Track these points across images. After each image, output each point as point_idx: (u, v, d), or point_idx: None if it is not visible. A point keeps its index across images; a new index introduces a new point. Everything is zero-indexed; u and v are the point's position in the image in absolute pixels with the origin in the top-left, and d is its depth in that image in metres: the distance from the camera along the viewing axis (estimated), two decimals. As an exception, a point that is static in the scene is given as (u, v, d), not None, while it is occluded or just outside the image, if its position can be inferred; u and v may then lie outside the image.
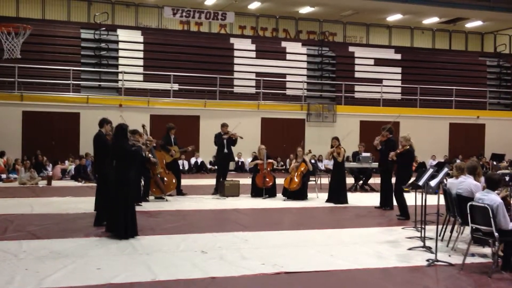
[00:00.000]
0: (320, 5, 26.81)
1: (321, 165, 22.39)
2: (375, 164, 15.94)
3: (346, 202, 13.38)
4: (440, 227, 8.60)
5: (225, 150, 14.82)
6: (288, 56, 26.34)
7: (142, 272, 6.74)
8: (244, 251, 7.95)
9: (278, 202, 13.57)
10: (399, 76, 27.48)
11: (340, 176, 13.56)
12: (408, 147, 11.34)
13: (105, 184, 9.67)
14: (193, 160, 22.28)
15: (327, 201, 13.56)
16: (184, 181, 17.25)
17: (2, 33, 16.27)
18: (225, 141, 14.74)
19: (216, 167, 17.26)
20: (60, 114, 20.79)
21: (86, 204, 11.96)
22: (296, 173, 13.97)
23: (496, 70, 30.13)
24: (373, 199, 13.79)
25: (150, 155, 12.77)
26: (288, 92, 25.22)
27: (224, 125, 14.98)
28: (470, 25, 30.70)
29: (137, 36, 24.76)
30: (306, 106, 24.19)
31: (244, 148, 21.90)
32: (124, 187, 8.66)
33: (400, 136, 11.81)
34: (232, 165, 20.13)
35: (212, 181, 15.58)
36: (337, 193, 13.49)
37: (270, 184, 14.34)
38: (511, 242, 7.03)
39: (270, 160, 14.70)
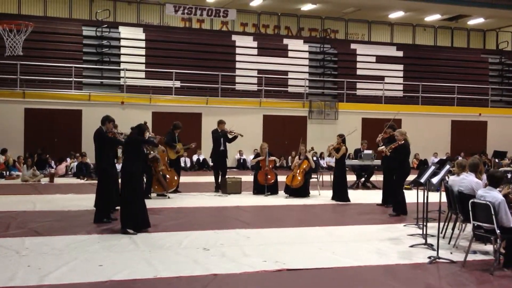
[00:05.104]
0: (322, 2, 26.77)
1: (323, 163, 22.42)
2: (377, 162, 15.93)
3: (346, 200, 13.30)
4: (441, 224, 8.60)
5: (221, 148, 14.84)
6: (290, 54, 26.31)
7: (144, 268, 6.76)
8: (246, 248, 7.95)
9: (280, 199, 13.57)
10: (401, 74, 27.43)
11: (339, 174, 13.51)
12: (403, 141, 11.31)
13: (106, 180, 9.69)
14: (195, 158, 22.28)
15: (332, 198, 13.53)
16: (186, 179, 17.30)
17: (4, 30, 16.26)
18: (221, 138, 14.75)
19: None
20: (62, 111, 20.79)
21: (88, 201, 11.96)
22: (298, 171, 13.95)
23: (498, 67, 30.09)
24: (375, 196, 13.78)
25: (153, 151, 12.78)
26: (290, 89, 25.20)
27: (221, 122, 14.99)
28: (472, 22, 30.64)
29: (139, 33, 24.77)
30: (308, 104, 24.17)
31: (246, 146, 21.90)
32: (133, 180, 8.83)
33: (396, 131, 11.78)
34: (229, 162, 20.00)
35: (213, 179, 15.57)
36: (336, 191, 13.49)
37: (272, 181, 14.34)
38: (513, 240, 7.04)
39: (272, 158, 14.68)
